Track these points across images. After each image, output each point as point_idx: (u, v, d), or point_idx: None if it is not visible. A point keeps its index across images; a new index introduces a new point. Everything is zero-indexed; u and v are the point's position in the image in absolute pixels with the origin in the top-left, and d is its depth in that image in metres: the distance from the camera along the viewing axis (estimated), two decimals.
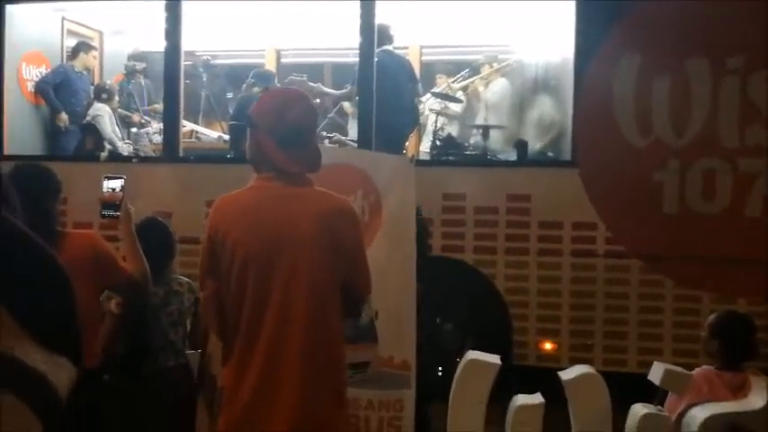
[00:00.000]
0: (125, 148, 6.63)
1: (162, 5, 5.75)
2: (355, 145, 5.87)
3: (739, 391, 3.27)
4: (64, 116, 6.49)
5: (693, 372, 3.38)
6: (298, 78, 6.85)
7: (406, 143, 6.58)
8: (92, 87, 6.87)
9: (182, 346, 3.33)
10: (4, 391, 0.88)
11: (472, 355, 3.77)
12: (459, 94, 7.05)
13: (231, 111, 7.13)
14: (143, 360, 3.21)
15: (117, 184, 2.93)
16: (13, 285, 0.94)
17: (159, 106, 6.82)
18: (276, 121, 2.30)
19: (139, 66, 7.25)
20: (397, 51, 6.31)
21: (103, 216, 2.94)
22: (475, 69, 7.12)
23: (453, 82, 7.10)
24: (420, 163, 5.46)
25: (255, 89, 6.56)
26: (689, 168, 4.91)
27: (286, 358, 2.19)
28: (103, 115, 6.54)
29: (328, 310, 2.28)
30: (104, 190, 2.90)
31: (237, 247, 2.21)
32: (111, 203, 2.92)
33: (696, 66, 4.89)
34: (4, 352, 0.91)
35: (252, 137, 2.36)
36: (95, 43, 7.16)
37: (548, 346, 5.19)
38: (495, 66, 6.93)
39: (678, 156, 4.92)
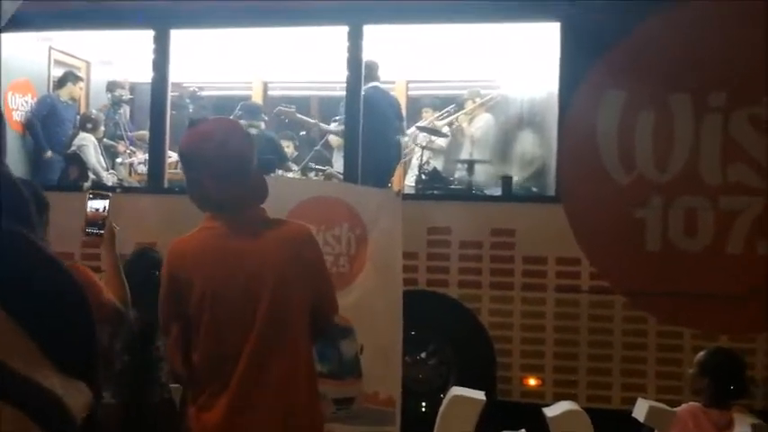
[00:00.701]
0: (109, 178, 6.60)
1: (150, 36, 5.78)
2: (342, 178, 5.89)
3: (725, 429, 3.25)
4: (49, 153, 6.47)
5: (679, 408, 3.37)
6: (286, 109, 6.89)
7: (392, 177, 6.60)
8: (77, 117, 6.86)
9: (166, 380, 3.28)
10: (15, 411, 0.85)
11: (456, 390, 3.74)
12: (445, 129, 7.11)
13: None
14: (130, 396, 3.16)
15: (101, 202, 2.91)
16: (33, 307, 0.92)
17: (145, 132, 6.83)
18: (216, 154, 2.17)
19: (123, 94, 7.23)
20: (384, 88, 6.37)
21: (87, 234, 2.92)
22: (460, 104, 7.19)
23: (438, 117, 7.17)
24: (406, 197, 5.49)
25: (243, 121, 6.57)
26: (671, 205, 4.95)
27: (260, 394, 2.15)
28: (88, 145, 6.51)
29: (300, 341, 2.24)
30: (89, 208, 2.89)
31: (205, 288, 2.16)
32: (95, 222, 2.90)
33: (679, 102, 4.97)
34: (16, 372, 0.89)
35: (189, 174, 2.24)
36: (82, 73, 7.17)
37: (532, 381, 5.17)
38: (479, 101, 7.01)
39: (661, 192, 4.96)
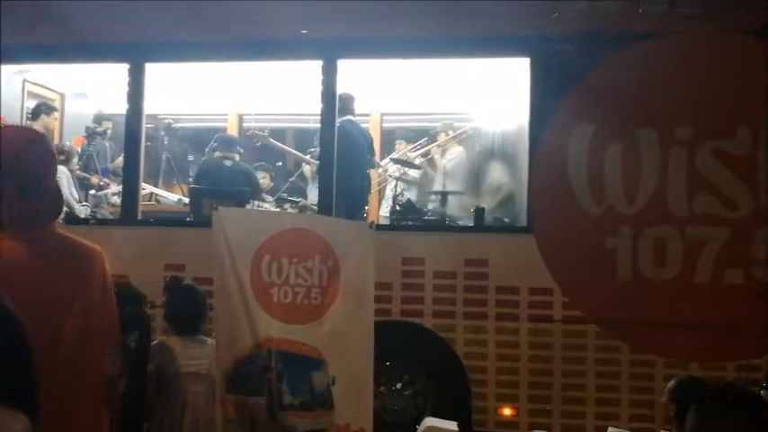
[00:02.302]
0: (82, 210, 6.56)
1: (125, 69, 5.80)
2: (316, 210, 5.92)
3: None
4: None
5: None
6: (260, 133, 6.93)
7: (366, 209, 6.65)
8: None
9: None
10: None
11: (430, 421, 3.75)
12: (418, 161, 7.19)
13: (192, 174, 7.13)
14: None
15: None
16: None
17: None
18: (16, 164, 1.98)
19: (101, 128, 7.23)
20: (358, 122, 6.45)
21: None
22: (433, 137, 7.29)
23: (411, 150, 7.26)
24: (380, 227, 5.53)
25: (217, 153, 6.60)
26: (641, 235, 5.04)
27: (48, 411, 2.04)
28: (61, 177, 6.46)
29: (88, 361, 2.12)
30: None
31: None
32: None
33: (646, 136, 5.08)
34: None
35: None
36: (56, 105, 7.15)
37: (507, 411, 5.17)
38: (451, 133, 7.11)
39: (630, 223, 5.05)
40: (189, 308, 3.59)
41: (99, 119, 7.25)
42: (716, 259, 4.94)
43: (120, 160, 7.17)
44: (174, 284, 3.72)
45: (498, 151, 6.59)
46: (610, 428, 3.58)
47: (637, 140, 5.07)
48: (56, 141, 7.11)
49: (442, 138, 7.15)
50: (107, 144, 7.30)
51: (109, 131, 7.19)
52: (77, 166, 6.86)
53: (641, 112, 5.09)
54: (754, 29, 4.99)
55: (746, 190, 4.95)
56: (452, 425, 3.74)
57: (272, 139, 6.99)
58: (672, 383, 3.49)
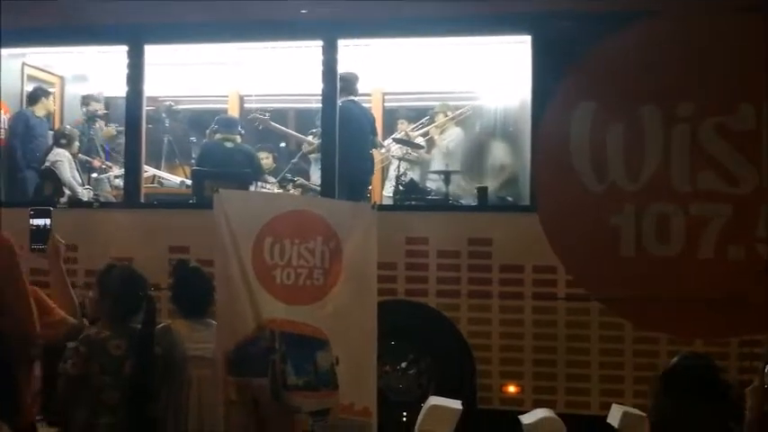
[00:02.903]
0: (85, 193, 6.56)
1: (124, 51, 5.78)
2: (318, 190, 5.91)
3: None
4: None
5: None
6: (261, 116, 6.91)
7: (368, 189, 6.64)
8: (51, 133, 6.82)
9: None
10: None
11: (434, 400, 3.77)
12: (419, 140, 7.17)
13: (194, 156, 7.12)
14: (105, 414, 3.13)
15: (44, 219, 2.98)
16: None
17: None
18: None
19: (98, 108, 7.19)
20: (360, 102, 6.42)
21: (32, 250, 3.00)
22: (431, 117, 7.27)
23: (413, 129, 7.23)
24: (384, 207, 5.54)
25: (218, 135, 6.58)
26: (644, 212, 5.03)
27: None
28: (63, 160, 6.48)
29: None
30: (32, 225, 2.95)
31: None
32: (39, 238, 2.95)
33: (648, 113, 5.06)
34: None
35: None
36: (56, 88, 7.13)
37: (511, 389, 5.21)
38: (450, 114, 7.08)
39: (633, 200, 5.04)
40: (196, 291, 3.59)
41: (88, 100, 7.20)
42: (719, 235, 4.94)
43: (110, 129, 7.14)
44: (181, 267, 3.72)
45: (500, 130, 6.57)
46: (613, 405, 3.61)
47: (639, 118, 5.05)
48: (56, 124, 7.11)
49: (440, 119, 7.13)
50: (96, 126, 7.23)
51: (100, 111, 7.16)
52: (78, 150, 6.85)
53: (644, 89, 5.06)
54: (752, 4, 4.95)
55: (749, 166, 4.93)
56: (456, 403, 3.76)
57: (272, 122, 6.96)
58: (674, 360, 3.49)
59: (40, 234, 2.98)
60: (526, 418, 3.72)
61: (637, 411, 3.45)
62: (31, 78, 6.90)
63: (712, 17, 5.03)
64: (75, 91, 7.43)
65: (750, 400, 3.28)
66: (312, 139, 6.86)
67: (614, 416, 3.46)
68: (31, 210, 3.05)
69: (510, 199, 6.00)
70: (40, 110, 6.71)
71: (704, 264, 4.94)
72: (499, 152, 6.46)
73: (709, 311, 4.83)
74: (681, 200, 5.00)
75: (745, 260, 4.91)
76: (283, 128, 7.11)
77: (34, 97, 6.69)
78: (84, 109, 7.16)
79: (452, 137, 6.98)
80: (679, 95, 5.02)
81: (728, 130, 4.96)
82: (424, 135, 7.26)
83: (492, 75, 6.58)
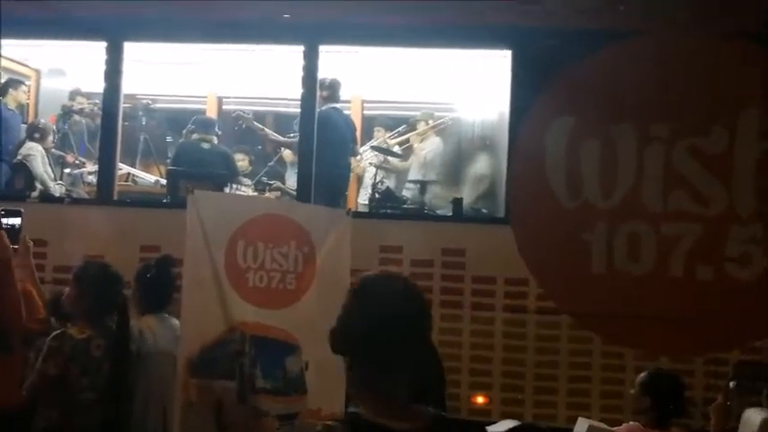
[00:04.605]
0: (57, 188, 6.47)
1: (103, 47, 5.72)
2: (294, 194, 5.89)
3: None
4: None
5: (620, 427, 3.44)
6: (244, 115, 6.87)
7: (345, 196, 6.63)
8: (24, 126, 6.72)
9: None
10: None
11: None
12: (396, 149, 7.19)
13: (170, 155, 7.06)
14: (79, 414, 3.09)
15: (15, 217, 3.10)
16: None
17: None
18: None
19: (77, 105, 7.13)
20: (343, 111, 6.42)
21: None
22: (412, 125, 7.29)
23: (390, 137, 7.25)
24: (359, 215, 5.53)
25: (195, 135, 6.53)
26: (616, 230, 5.10)
27: None
28: (35, 154, 6.38)
29: None
30: (4, 224, 3.03)
31: None
32: (10, 236, 3.03)
33: (622, 132, 5.13)
34: None
35: None
36: (32, 82, 7.03)
37: (480, 399, 5.22)
38: (432, 123, 7.11)
39: (605, 218, 5.10)
40: (168, 286, 3.59)
41: (74, 95, 7.13)
42: (688, 255, 5.02)
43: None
44: (163, 263, 3.70)
45: (478, 142, 6.61)
46: (580, 419, 3.64)
47: (614, 136, 5.12)
48: (30, 118, 7.01)
49: (421, 126, 7.15)
50: (83, 121, 7.18)
51: (85, 109, 7.08)
52: (52, 144, 6.76)
53: (619, 108, 5.13)
54: (727, 32, 5.05)
55: (720, 187, 5.02)
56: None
57: (256, 122, 6.94)
58: (643, 376, 3.53)
59: (12, 234, 3.05)
60: (494, 429, 3.73)
61: (602, 425, 3.48)
62: (6, 70, 6.80)
63: (690, 40, 5.12)
64: (51, 85, 7.33)
65: (713, 417, 3.34)
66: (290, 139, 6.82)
67: (581, 428, 3.49)
68: (3, 210, 3.14)
69: (485, 211, 6.03)
70: (10, 102, 6.61)
71: (673, 282, 5.01)
72: (476, 164, 6.50)
73: (677, 329, 4.90)
74: (652, 219, 5.07)
75: (713, 280, 4.99)
76: (266, 129, 7.08)
77: (3, 90, 6.58)
78: (71, 104, 7.08)
79: (430, 147, 7.00)
80: (654, 116, 5.10)
81: (701, 151, 5.05)
82: (401, 144, 7.26)
83: (472, 87, 6.62)
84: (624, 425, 3.48)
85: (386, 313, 1.61)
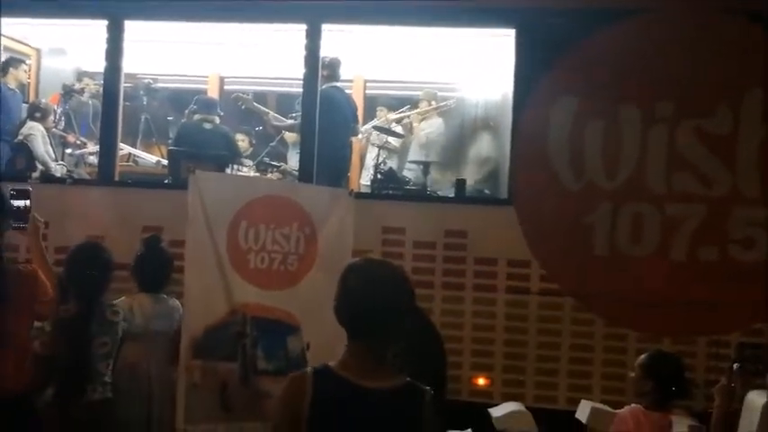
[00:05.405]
0: (58, 168, 6.46)
1: (104, 26, 5.67)
2: (296, 175, 5.87)
3: (665, 431, 3.34)
4: None
5: (620, 410, 3.44)
6: (244, 96, 6.84)
7: (347, 176, 6.61)
8: (25, 105, 6.69)
9: (109, 380, 3.23)
10: None
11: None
12: (399, 129, 7.15)
13: (171, 135, 7.03)
14: (72, 393, 3.11)
15: (25, 198, 3.13)
16: None
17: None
18: None
19: (78, 85, 7.09)
20: (345, 90, 6.37)
21: (13, 228, 3.12)
22: (415, 104, 7.24)
23: (393, 117, 7.20)
24: (362, 196, 5.51)
25: (197, 116, 6.50)
26: (619, 211, 5.07)
27: None
28: (36, 134, 6.36)
29: None
30: (13, 205, 3.06)
31: None
32: (19, 215, 3.08)
33: (627, 112, 5.08)
34: None
35: None
36: (32, 61, 6.99)
37: (481, 381, 5.23)
38: (434, 103, 7.06)
39: (609, 199, 5.07)
40: (162, 266, 3.59)
41: (81, 76, 7.10)
42: (691, 237, 4.99)
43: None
44: (152, 241, 3.71)
45: (482, 123, 6.57)
46: (583, 401, 3.63)
47: (618, 116, 5.08)
48: (31, 97, 6.97)
49: (423, 105, 7.10)
50: (90, 102, 7.14)
51: (87, 89, 7.04)
52: (53, 124, 6.73)
53: (624, 88, 5.08)
54: (732, 11, 4.98)
55: (724, 169, 4.98)
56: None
57: (255, 103, 6.89)
58: (644, 358, 3.52)
59: (21, 213, 3.08)
60: (496, 411, 3.74)
61: (605, 407, 3.48)
62: (7, 49, 6.75)
63: (697, 18, 5.06)
64: (52, 64, 7.29)
65: (718, 398, 3.33)
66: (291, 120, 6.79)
67: (583, 411, 3.49)
68: (12, 190, 3.16)
69: (488, 192, 6.00)
70: (11, 81, 6.57)
71: (676, 264, 4.99)
72: (479, 145, 6.46)
73: (679, 311, 4.89)
74: (656, 200, 5.03)
75: (716, 261, 4.96)
76: (266, 109, 7.04)
77: (3, 69, 6.54)
78: (76, 84, 7.04)
79: (433, 127, 6.96)
80: (659, 96, 5.04)
81: (706, 132, 5.01)
82: (397, 121, 7.21)
83: (475, 67, 6.57)
84: (626, 407, 3.48)
85: (367, 295, 1.94)
